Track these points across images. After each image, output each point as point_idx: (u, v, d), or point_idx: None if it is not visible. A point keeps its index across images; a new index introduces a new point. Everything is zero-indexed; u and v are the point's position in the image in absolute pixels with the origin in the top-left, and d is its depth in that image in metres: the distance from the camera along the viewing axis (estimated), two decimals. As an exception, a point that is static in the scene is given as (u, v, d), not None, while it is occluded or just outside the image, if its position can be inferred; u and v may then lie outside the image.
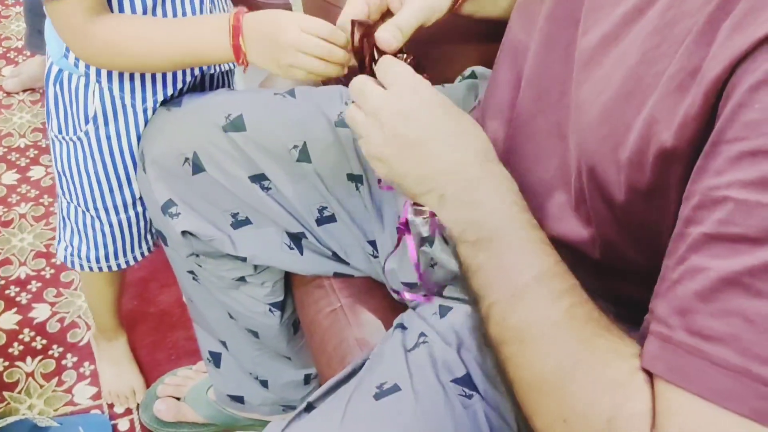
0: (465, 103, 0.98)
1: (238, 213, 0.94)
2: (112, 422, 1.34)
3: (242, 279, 1.02)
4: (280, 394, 1.18)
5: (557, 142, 0.67)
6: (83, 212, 1.09)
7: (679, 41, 0.52)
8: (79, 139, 1.01)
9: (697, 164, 0.49)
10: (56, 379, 1.39)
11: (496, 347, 0.57)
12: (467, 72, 1.08)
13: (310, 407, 0.78)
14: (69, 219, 1.11)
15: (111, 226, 1.10)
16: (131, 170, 1.04)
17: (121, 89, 0.97)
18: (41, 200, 1.70)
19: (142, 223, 1.12)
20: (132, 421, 1.35)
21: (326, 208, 0.95)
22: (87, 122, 0.99)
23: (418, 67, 0.68)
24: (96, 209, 1.08)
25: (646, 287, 0.52)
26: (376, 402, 0.72)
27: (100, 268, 1.16)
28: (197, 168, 0.92)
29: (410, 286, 0.92)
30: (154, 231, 1.14)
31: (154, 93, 0.98)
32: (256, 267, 1.00)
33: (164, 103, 0.99)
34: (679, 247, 0.49)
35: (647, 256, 0.59)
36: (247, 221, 0.94)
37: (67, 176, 1.06)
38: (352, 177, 0.95)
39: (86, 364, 1.42)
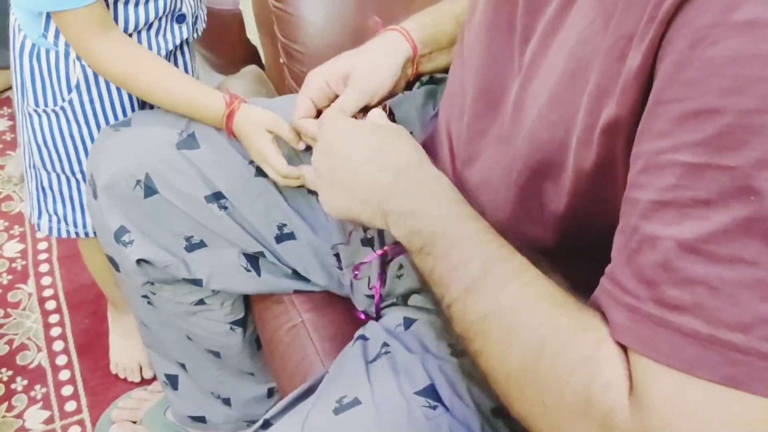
0: (424, 110, 0.97)
1: (192, 236, 0.91)
2: (67, 447, 1.30)
3: (201, 302, 0.99)
4: (244, 411, 1.15)
5: (504, 147, 0.67)
6: (67, 178, 1.09)
7: (610, 13, 0.51)
8: (62, 109, 1.02)
9: (640, 127, 0.48)
10: (6, 404, 1.34)
11: (466, 347, 0.59)
12: (425, 78, 1.07)
13: (267, 424, 0.76)
14: (51, 190, 1.11)
15: None
16: None
17: None
18: (-15, 217, 1.64)
19: None
20: (88, 445, 1.31)
21: (285, 225, 0.93)
22: (70, 91, 1.01)
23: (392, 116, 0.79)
24: (83, 172, 1.08)
25: (602, 261, 0.52)
26: (335, 417, 0.70)
27: (88, 233, 1.15)
28: (150, 190, 0.89)
29: (373, 298, 0.91)
30: None
31: None
32: (213, 289, 0.97)
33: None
34: (629, 212, 0.48)
35: (603, 234, 0.58)
36: (201, 244, 0.92)
37: (50, 147, 1.05)
38: (311, 190, 0.93)
39: (37, 387, 1.37)
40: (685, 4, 0.44)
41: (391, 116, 0.78)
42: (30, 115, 1.04)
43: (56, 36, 0.95)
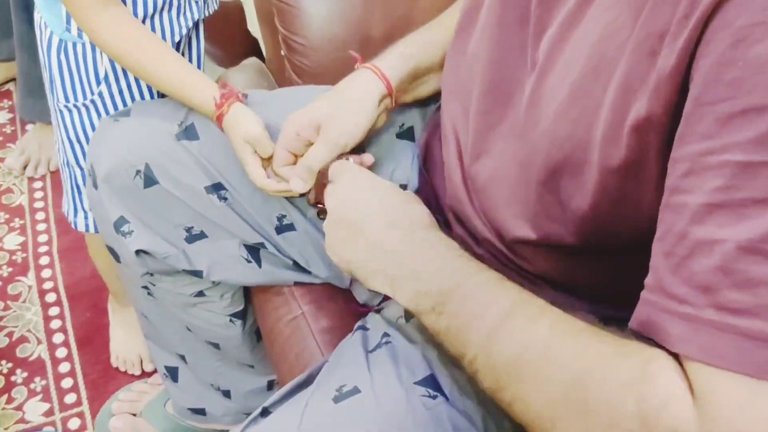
0: (424, 102, 0.96)
1: (192, 227, 0.91)
2: (66, 439, 1.30)
3: (200, 293, 0.98)
4: (244, 403, 1.15)
5: (519, 142, 0.66)
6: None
7: (638, 8, 0.51)
8: (92, 102, 1.02)
9: (679, 130, 0.47)
10: (6, 396, 1.34)
11: (496, 397, 0.56)
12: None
13: (265, 412, 0.76)
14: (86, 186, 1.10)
15: None
16: None
17: None
18: (-15, 210, 1.64)
19: None
20: (87, 437, 1.30)
21: (285, 216, 0.93)
22: (99, 83, 1.01)
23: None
24: None
25: (629, 271, 0.51)
26: (335, 405, 0.70)
27: None
28: (150, 181, 0.88)
29: (374, 291, 0.90)
30: None
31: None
32: (214, 281, 0.97)
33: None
34: (674, 219, 0.47)
35: (629, 234, 0.57)
36: (202, 235, 0.91)
37: (82, 142, 1.06)
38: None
39: (37, 379, 1.37)
40: (725, 3, 0.44)
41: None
42: (61, 111, 1.04)
43: (80, 28, 0.95)
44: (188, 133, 0.89)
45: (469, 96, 0.74)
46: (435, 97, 0.98)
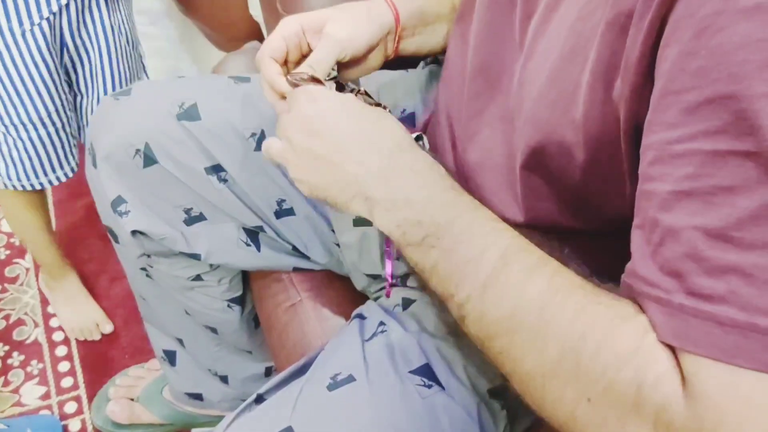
0: (427, 90, 0.95)
1: (191, 208, 0.90)
2: (63, 423, 1.29)
3: (198, 278, 0.98)
4: (241, 389, 1.15)
5: (506, 126, 0.66)
6: None
7: None
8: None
9: (648, 118, 0.47)
10: (2, 379, 1.34)
11: (482, 344, 0.54)
12: (429, 58, 1.06)
13: (260, 399, 0.75)
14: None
15: (24, 141, 1.12)
16: (30, 85, 1.08)
17: None
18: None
19: (58, 142, 1.16)
20: (84, 421, 1.30)
21: (284, 201, 0.92)
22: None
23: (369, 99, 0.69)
24: (5, 125, 1.10)
25: (621, 255, 0.50)
26: (329, 393, 0.69)
27: (23, 186, 1.17)
28: (149, 160, 0.87)
29: (373, 278, 0.90)
30: (75, 153, 1.20)
31: (29, 14, 1.03)
32: (211, 264, 0.96)
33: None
34: (646, 207, 0.47)
35: (618, 213, 0.57)
36: (201, 217, 0.91)
37: None
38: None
39: (34, 362, 1.36)
40: None
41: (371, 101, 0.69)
42: None
43: None
44: (189, 113, 0.88)
45: (462, 80, 0.73)
46: (437, 83, 0.98)
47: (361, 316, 0.80)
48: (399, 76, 0.94)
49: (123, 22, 1.22)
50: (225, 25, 1.56)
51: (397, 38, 0.79)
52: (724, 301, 0.43)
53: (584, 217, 0.63)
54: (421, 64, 1.06)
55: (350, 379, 0.70)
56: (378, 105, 0.68)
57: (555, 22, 0.58)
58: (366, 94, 0.72)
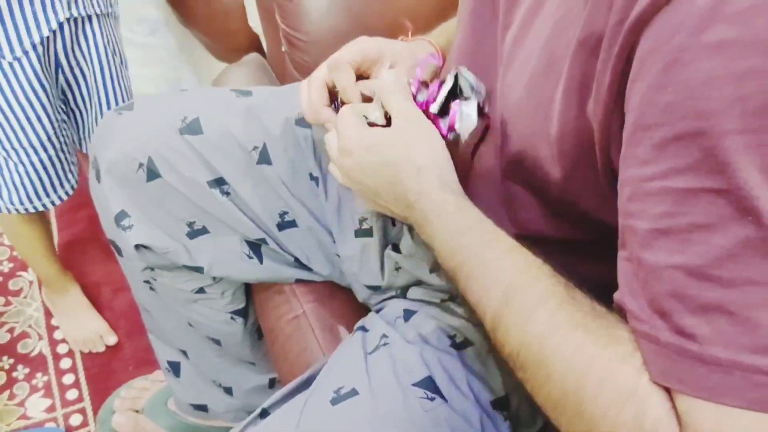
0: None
1: (194, 222, 0.91)
2: (68, 435, 1.30)
3: (201, 290, 0.98)
4: (245, 400, 1.15)
5: (493, 136, 0.67)
6: None
7: (581, 7, 0.51)
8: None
9: (622, 152, 0.48)
10: (7, 392, 1.34)
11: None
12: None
13: (264, 413, 0.76)
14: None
15: (25, 165, 1.14)
16: (29, 110, 1.09)
17: None
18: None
19: (58, 162, 1.17)
20: (89, 433, 1.31)
21: (287, 213, 0.92)
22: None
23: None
24: (6, 150, 1.11)
25: (598, 258, 0.52)
26: (332, 407, 0.70)
27: (26, 210, 1.18)
28: (152, 174, 0.88)
29: (373, 289, 0.90)
30: (75, 170, 1.21)
31: (20, 41, 1.03)
32: (214, 277, 0.97)
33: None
34: (631, 241, 0.48)
35: (603, 218, 0.57)
36: (204, 230, 0.91)
37: None
38: (313, 177, 0.93)
39: (39, 375, 1.37)
40: (655, 17, 0.44)
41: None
42: None
43: None
44: (191, 127, 0.89)
45: None
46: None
47: (363, 329, 0.81)
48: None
49: (116, 43, 1.23)
50: (224, 36, 1.57)
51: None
52: (708, 340, 0.43)
53: (570, 227, 0.63)
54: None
55: (353, 392, 0.70)
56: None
57: (532, 35, 0.59)
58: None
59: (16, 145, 1.11)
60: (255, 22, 1.43)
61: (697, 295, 0.43)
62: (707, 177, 0.42)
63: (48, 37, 1.09)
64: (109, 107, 1.23)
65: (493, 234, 0.60)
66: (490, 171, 0.68)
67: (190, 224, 0.91)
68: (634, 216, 0.47)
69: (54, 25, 1.07)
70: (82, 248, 1.56)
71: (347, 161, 0.69)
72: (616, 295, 0.50)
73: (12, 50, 1.05)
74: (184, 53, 1.80)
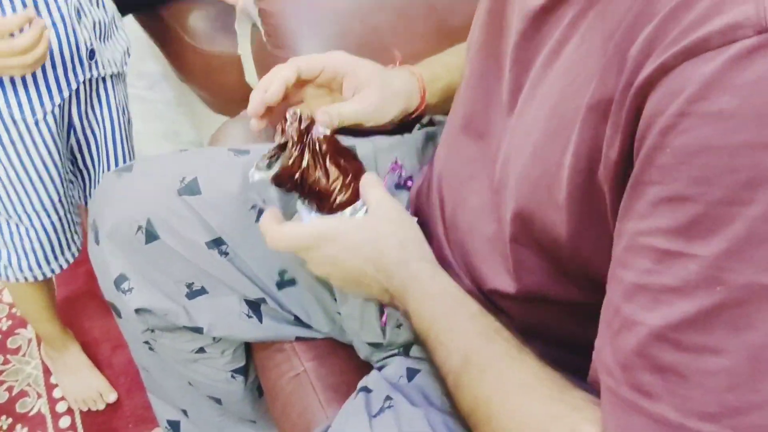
0: (424, 153, 0.97)
1: (193, 283, 0.90)
2: (67, 496, 1.27)
3: (201, 350, 0.98)
4: (246, 459, 1.13)
5: (494, 196, 0.67)
6: (6, 221, 1.12)
7: (592, 73, 0.52)
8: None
9: (623, 204, 0.49)
10: (5, 453, 1.32)
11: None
12: (425, 119, 1.08)
13: None
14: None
15: (36, 229, 1.14)
16: (43, 173, 1.10)
17: (7, 104, 1.01)
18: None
19: (67, 225, 1.18)
20: (88, 494, 1.28)
21: (286, 271, 0.92)
22: None
23: (343, 152, 0.75)
24: (18, 215, 1.11)
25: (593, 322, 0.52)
26: None
27: (35, 277, 1.18)
28: (151, 236, 0.88)
29: (375, 347, 0.90)
30: (80, 231, 1.21)
31: (41, 104, 1.03)
32: (214, 337, 0.96)
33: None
34: (614, 290, 0.49)
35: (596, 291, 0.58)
36: (202, 290, 0.91)
37: None
38: None
39: (37, 435, 1.35)
40: (663, 79, 0.44)
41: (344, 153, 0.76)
42: None
43: None
44: (190, 187, 0.89)
45: (456, 133, 0.75)
46: (433, 146, 0.99)
47: (366, 389, 0.80)
48: (396, 140, 0.95)
49: (125, 101, 1.24)
50: (221, 91, 1.59)
51: (416, 113, 0.87)
52: (661, 399, 0.44)
53: (577, 288, 0.63)
54: (417, 126, 1.08)
55: None
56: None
57: (539, 100, 0.60)
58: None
59: (29, 208, 1.11)
60: (252, 79, 1.44)
61: (657, 355, 0.44)
62: (687, 242, 0.43)
63: (65, 99, 1.10)
64: (117, 165, 1.24)
65: (460, 299, 0.65)
66: (489, 233, 0.68)
67: (189, 285, 0.90)
68: (623, 266, 0.48)
69: (74, 86, 1.08)
70: (81, 305, 1.55)
71: (319, 253, 0.73)
72: (596, 341, 0.51)
73: (33, 112, 1.05)
74: (183, 107, 1.82)
